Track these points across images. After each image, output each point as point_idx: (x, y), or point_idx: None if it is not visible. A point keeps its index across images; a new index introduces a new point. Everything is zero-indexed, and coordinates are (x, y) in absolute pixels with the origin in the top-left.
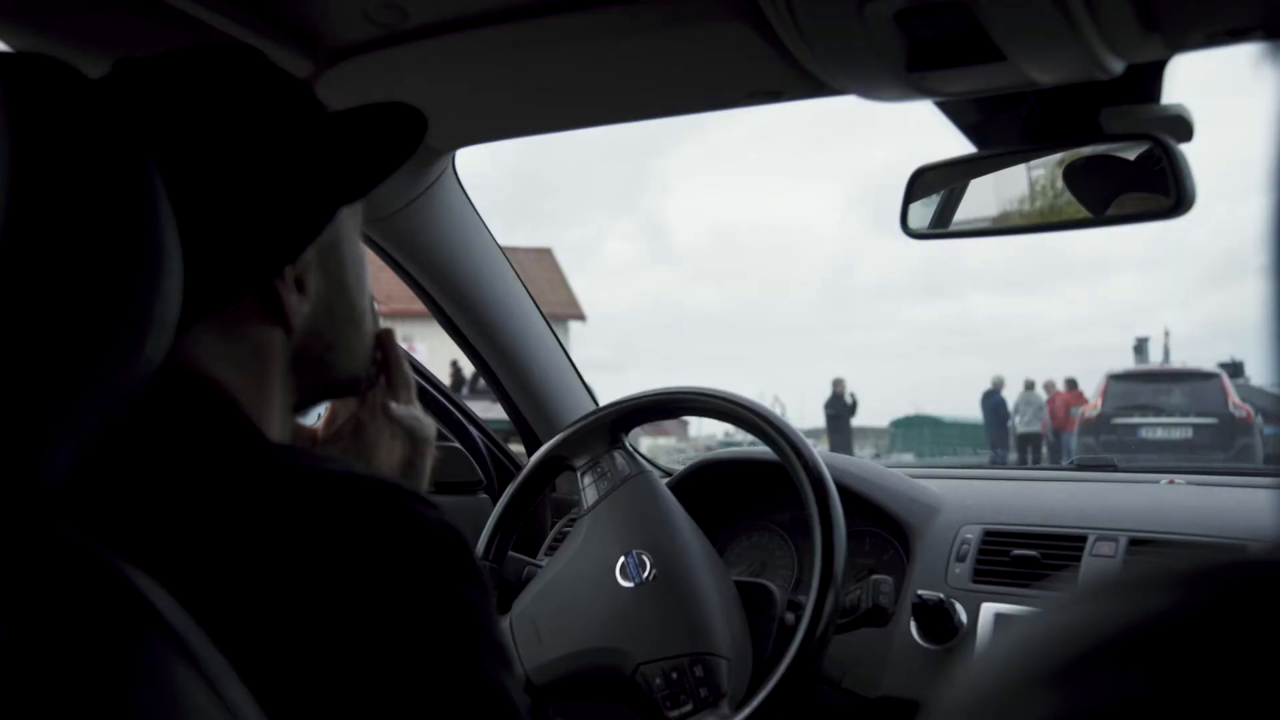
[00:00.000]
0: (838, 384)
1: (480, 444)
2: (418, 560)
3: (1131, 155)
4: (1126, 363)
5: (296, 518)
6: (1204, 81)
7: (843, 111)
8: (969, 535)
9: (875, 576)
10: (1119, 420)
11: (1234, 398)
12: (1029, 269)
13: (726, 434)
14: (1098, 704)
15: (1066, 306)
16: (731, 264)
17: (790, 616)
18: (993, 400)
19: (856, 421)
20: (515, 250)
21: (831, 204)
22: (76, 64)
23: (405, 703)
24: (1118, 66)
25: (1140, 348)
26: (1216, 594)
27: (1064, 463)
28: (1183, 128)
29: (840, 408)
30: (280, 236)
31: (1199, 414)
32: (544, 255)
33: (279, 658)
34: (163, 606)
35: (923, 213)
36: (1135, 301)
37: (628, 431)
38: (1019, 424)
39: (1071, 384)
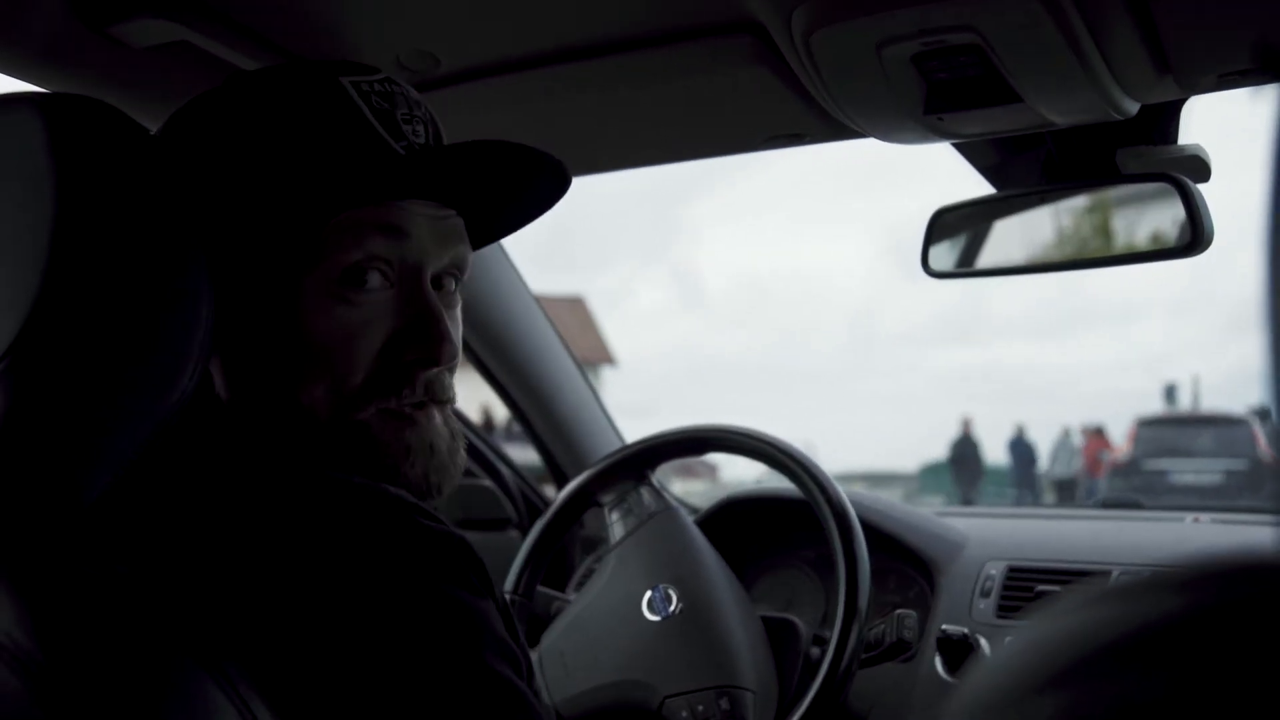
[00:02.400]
0: (966, 423)
1: (510, 482)
2: (422, 567)
3: (1149, 195)
4: (1156, 408)
5: (314, 527)
6: (1235, 124)
7: (872, 159)
8: (993, 571)
9: (899, 611)
10: (1149, 465)
11: (1263, 442)
12: (1057, 315)
13: (758, 480)
14: (1099, 708)
15: (1095, 352)
16: (761, 310)
17: (816, 651)
18: (1020, 447)
19: (885, 466)
20: (548, 299)
21: (860, 251)
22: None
23: (414, 699)
24: (1132, 108)
25: (1170, 393)
26: (1222, 596)
27: (1089, 502)
28: (1200, 168)
29: (967, 447)
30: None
31: (1229, 458)
32: (576, 304)
33: (292, 661)
34: (200, 633)
35: (943, 253)
36: (1164, 347)
37: (654, 468)
38: (1055, 469)
39: (1098, 431)
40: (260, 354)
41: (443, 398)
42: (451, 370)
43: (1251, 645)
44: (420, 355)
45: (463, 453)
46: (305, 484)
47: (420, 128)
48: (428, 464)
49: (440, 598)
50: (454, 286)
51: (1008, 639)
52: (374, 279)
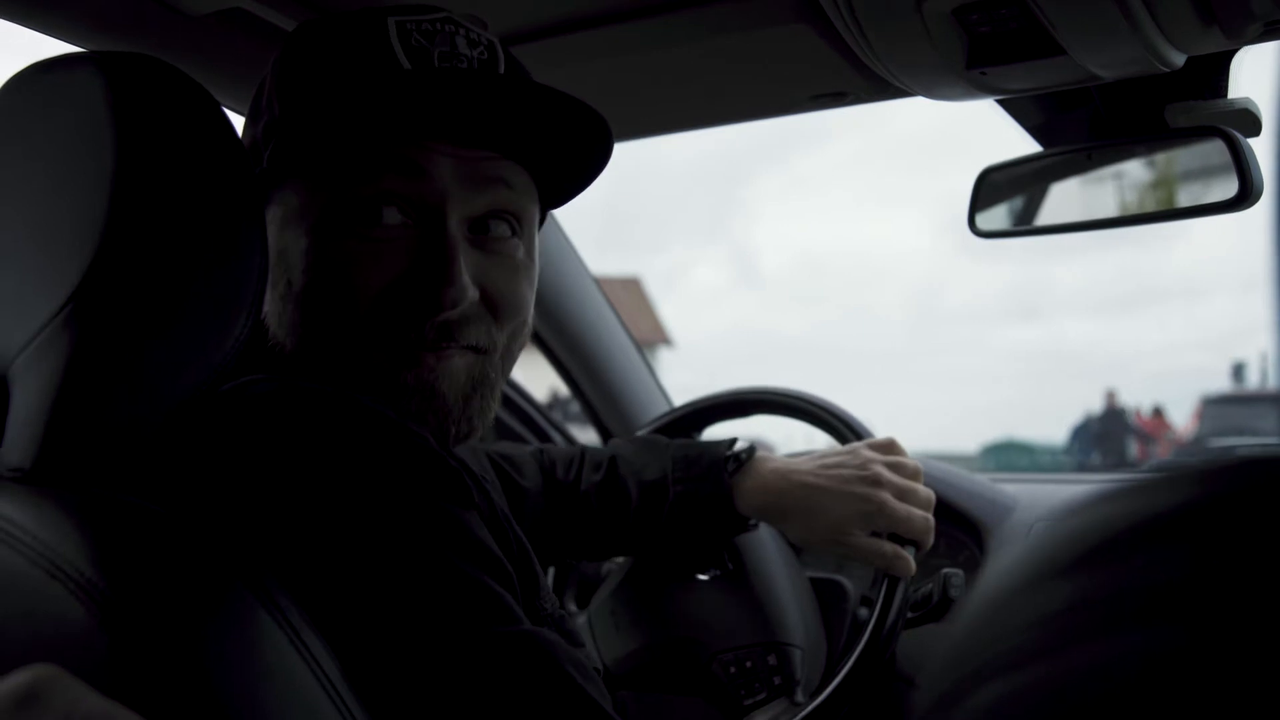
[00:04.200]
0: (1110, 396)
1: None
2: (424, 485)
3: (1197, 153)
4: (1223, 386)
5: (326, 451)
6: None
7: (933, 134)
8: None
9: (946, 570)
10: (1216, 444)
11: None
12: (1123, 292)
13: None
14: (1115, 588)
15: (1162, 330)
16: (819, 290)
17: (864, 611)
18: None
19: (945, 446)
20: (604, 280)
21: (920, 228)
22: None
23: (390, 595)
24: (1178, 59)
25: (1238, 371)
26: (1237, 485)
27: (1143, 467)
28: (1250, 122)
29: (1113, 421)
30: None
31: None
32: (631, 284)
33: (310, 575)
34: (253, 560)
35: (991, 213)
36: (1233, 324)
37: (701, 430)
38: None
39: (1157, 411)
40: (280, 277)
41: (463, 342)
42: (480, 317)
43: (1268, 526)
44: (423, 298)
45: (483, 402)
46: (322, 410)
47: (463, 65)
48: (426, 406)
49: (437, 510)
50: (506, 233)
51: (1028, 538)
52: (391, 215)
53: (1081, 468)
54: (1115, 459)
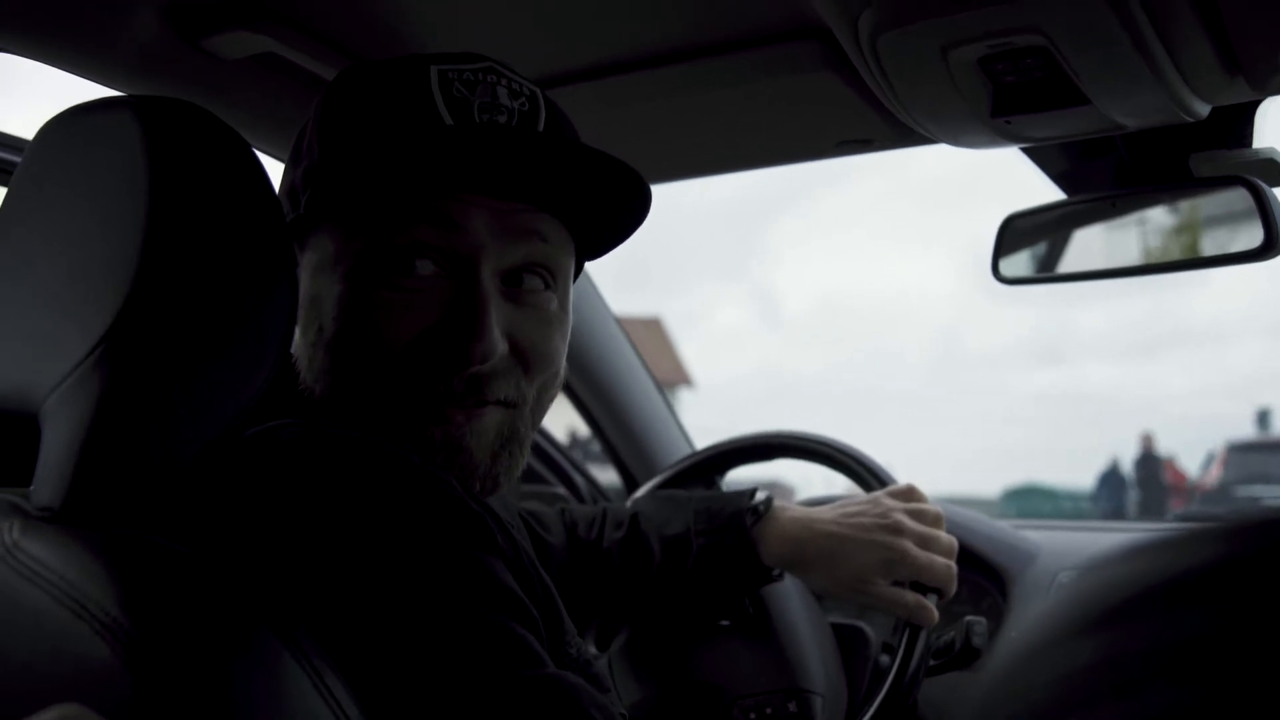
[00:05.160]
0: (1147, 439)
1: (584, 490)
2: (450, 531)
3: (1222, 199)
4: (1248, 433)
5: (352, 495)
6: None
7: (956, 178)
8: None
9: (969, 618)
10: (1241, 491)
11: None
12: (1146, 337)
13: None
14: (1140, 646)
15: (1185, 375)
16: (840, 331)
17: (885, 658)
18: (1112, 478)
19: (965, 490)
20: (625, 320)
21: (942, 271)
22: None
23: (420, 639)
24: (1203, 109)
25: (1263, 418)
26: (1262, 544)
27: (1167, 517)
28: (1275, 171)
29: (1152, 465)
30: None
31: None
32: (653, 325)
33: (337, 622)
34: (277, 603)
35: (1014, 260)
36: (1257, 370)
37: (723, 474)
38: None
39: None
40: (312, 322)
41: (492, 397)
42: (510, 370)
43: None
44: (452, 351)
45: (511, 459)
46: (347, 455)
47: (503, 118)
48: (451, 461)
49: (468, 559)
50: (540, 286)
51: (1052, 595)
52: (424, 266)
53: (1107, 515)
54: (1153, 505)
